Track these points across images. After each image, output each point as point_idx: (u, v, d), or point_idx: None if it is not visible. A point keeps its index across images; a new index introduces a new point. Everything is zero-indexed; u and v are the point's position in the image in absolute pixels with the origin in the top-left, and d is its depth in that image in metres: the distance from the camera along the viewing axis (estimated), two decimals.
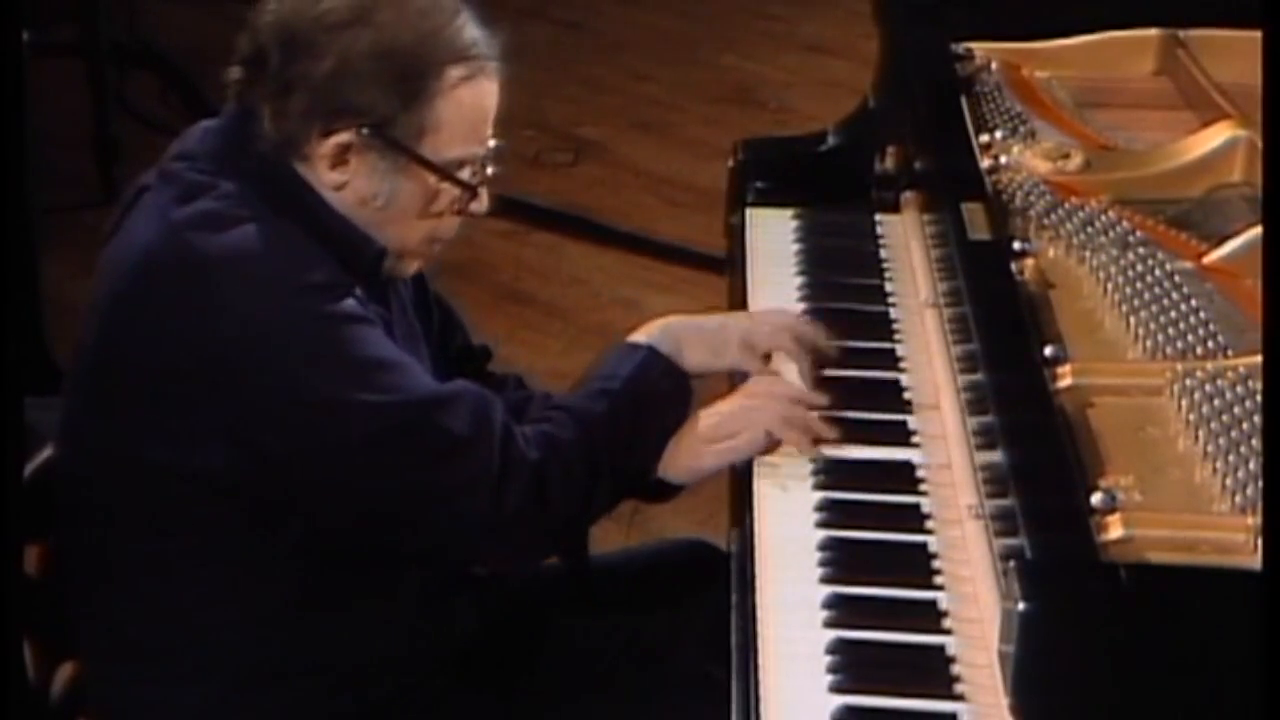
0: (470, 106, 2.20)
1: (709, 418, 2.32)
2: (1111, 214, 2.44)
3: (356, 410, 2.11)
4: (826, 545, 2.16)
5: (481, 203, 2.25)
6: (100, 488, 2.19)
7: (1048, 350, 2.14)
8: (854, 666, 1.97)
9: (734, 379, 2.49)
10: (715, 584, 2.25)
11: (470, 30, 2.21)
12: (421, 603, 2.29)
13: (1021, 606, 1.71)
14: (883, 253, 2.80)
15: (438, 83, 2.17)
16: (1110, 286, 2.30)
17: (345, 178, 2.18)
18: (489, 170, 2.25)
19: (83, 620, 2.27)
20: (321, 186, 2.18)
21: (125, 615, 2.22)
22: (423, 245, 2.27)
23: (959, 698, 1.92)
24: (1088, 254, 2.37)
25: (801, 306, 2.66)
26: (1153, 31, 2.94)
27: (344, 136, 2.16)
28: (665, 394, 2.33)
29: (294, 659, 2.21)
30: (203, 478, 2.12)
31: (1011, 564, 1.81)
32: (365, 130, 2.16)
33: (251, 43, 2.19)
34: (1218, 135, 2.58)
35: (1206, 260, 2.36)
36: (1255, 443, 1.96)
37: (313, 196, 2.18)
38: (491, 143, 2.24)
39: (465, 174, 2.22)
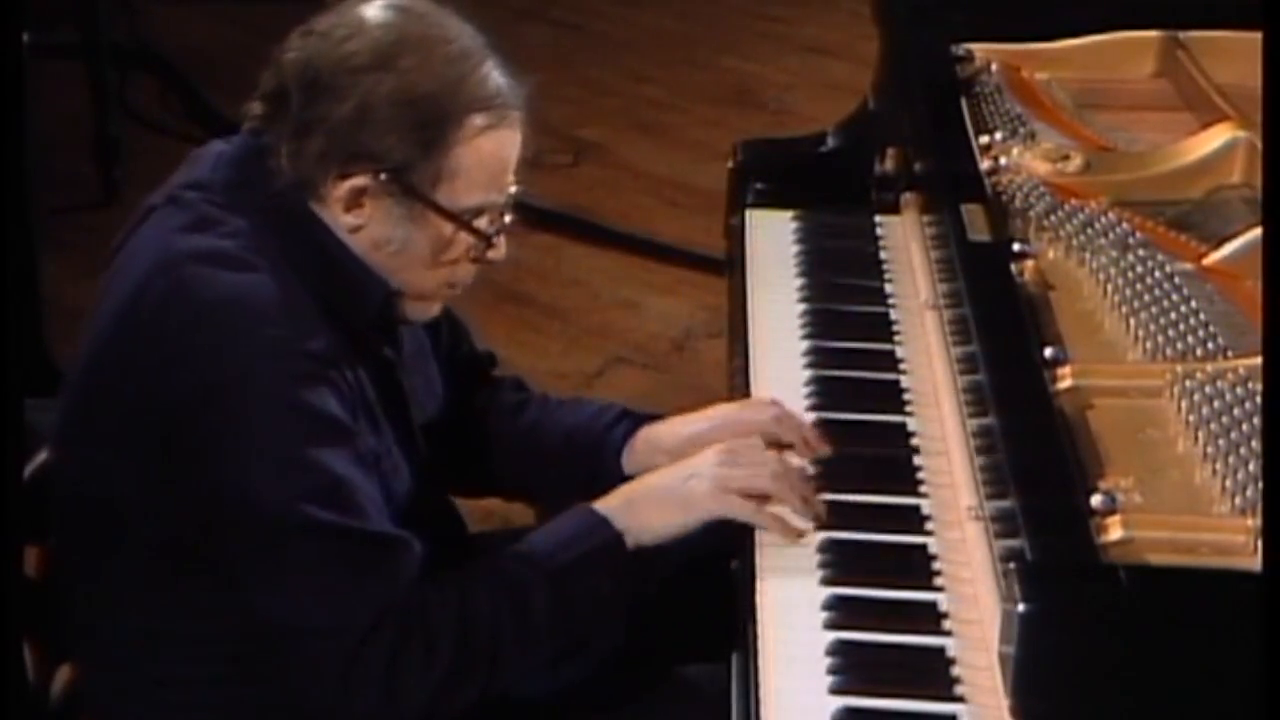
0: (490, 155, 2.17)
1: (671, 474, 2.23)
2: (1111, 215, 2.44)
3: (279, 509, 2.03)
4: (826, 547, 2.16)
5: (498, 250, 2.22)
6: (90, 497, 2.16)
7: (1048, 352, 2.14)
8: (854, 668, 1.97)
9: (734, 382, 2.50)
10: (715, 584, 2.25)
11: (495, 79, 2.17)
12: None
13: (1022, 608, 1.72)
14: (883, 254, 2.80)
15: (458, 131, 2.13)
16: (1110, 288, 2.30)
17: (360, 221, 2.15)
18: (507, 219, 2.21)
19: (78, 626, 2.25)
20: (336, 228, 2.16)
21: (118, 623, 2.20)
22: (439, 289, 2.25)
23: (959, 699, 1.92)
24: (1088, 255, 2.38)
25: (802, 308, 2.66)
26: (1153, 33, 2.94)
27: (360, 180, 2.13)
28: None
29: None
30: (161, 509, 2.10)
31: (1012, 565, 1.82)
32: (381, 175, 2.13)
33: (274, 79, 2.16)
34: (1217, 137, 2.58)
35: (1206, 262, 2.36)
36: (1255, 444, 1.96)
37: (327, 236, 2.15)
38: (512, 189, 2.21)
39: (482, 222, 2.18)
